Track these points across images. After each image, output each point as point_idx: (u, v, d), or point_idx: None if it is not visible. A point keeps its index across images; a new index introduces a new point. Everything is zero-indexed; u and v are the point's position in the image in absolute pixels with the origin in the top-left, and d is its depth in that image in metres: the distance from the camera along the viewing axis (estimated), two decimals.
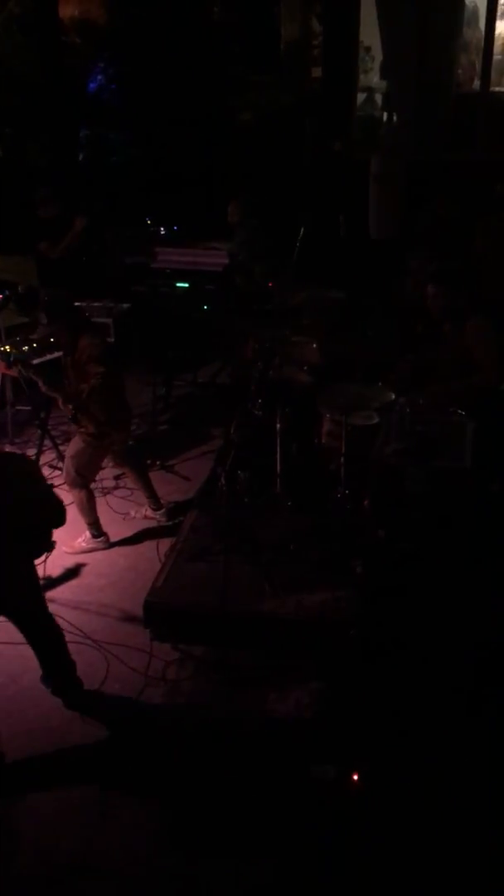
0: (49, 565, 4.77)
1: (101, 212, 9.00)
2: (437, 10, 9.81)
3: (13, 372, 5.98)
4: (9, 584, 3.93)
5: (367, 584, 4.38)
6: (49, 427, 6.28)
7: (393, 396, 5.11)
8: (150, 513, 5.98)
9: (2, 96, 11.55)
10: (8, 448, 6.50)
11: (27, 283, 7.53)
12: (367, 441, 4.89)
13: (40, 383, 5.42)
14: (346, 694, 4.16)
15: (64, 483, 5.65)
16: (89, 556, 5.57)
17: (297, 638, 4.30)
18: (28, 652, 4.26)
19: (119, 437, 5.59)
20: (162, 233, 9.68)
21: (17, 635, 4.13)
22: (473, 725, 4.00)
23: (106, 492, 6.22)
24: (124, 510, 6.06)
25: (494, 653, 4.22)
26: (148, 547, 5.62)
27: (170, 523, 5.86)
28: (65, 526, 4.14)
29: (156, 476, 6.29)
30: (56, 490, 4.77)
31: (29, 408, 6.86)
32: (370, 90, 11.49)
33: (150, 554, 5.42)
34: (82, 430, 5.39)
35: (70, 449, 5.54)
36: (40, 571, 4.25)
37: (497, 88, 10.41)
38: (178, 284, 8.50)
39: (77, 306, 5.65)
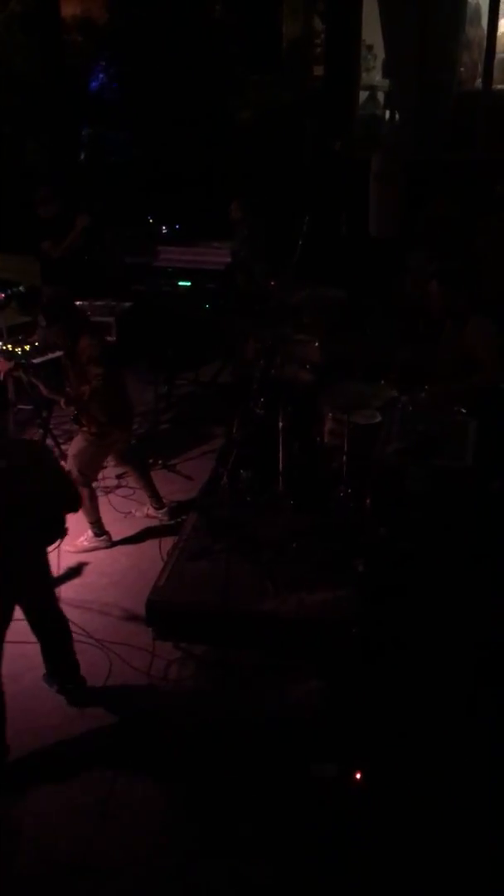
0: (51, 564, 4.77)
1: (101, 211, 8.98)
2: (438, 8, 9.81)
3: (17, 371, 5.99)
4: (24, 570, 3.97)
5: (369, 584, 4.38)
6: (51, 426, 6.29)
7: (395, 395, 5.11)
8: (152, 512, 5.98)
9: (2, 95, 11.54)
10: None
11: (29, 283, 7.54)
12: (370, 440, 4.88)
13: (41, 387, 5.42)
14: (346, 693, 4.17)
15: None
16: (91, 555, 5.58)
17: (298, 637, 4.30)
18: (30, 651, 4.27)
19: (121, 435, 5.59)
20: (163, 231, 9.67)
21: (19, 634, 4.14)
22: (473, 725, 4.00)
23: (108, 491, 6.23)
24: (126, 509, 6.06)
25: (494, 653, 4.22)
26: (150, 546, 5.62)
27: (172, 522, 5.86)
28: (67, 525, 4.15)
29: (158, 475, 6.29)
30: None
31: (30, 407, 6.87)
32: (372, 89, 11.47)
33: (153, 553, 5.42)
34: (84, 428, 5.39)
35: (72, 448, 5.54)
36: (53, 561, 4.27)
37: (499, 87, 10.40)
38: (180, 283, 8.51)
39: (76, 307, 5.65)
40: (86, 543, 5.61)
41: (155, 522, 5.94)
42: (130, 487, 6.26)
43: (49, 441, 6.27)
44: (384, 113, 11.46)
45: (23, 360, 5.78)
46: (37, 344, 6.19)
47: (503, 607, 4.40)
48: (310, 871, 3.43)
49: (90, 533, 5.62)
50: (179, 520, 5.71)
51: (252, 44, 11.72)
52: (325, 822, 3.59)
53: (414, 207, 8.93)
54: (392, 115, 11.02)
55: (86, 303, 7.27)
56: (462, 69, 10.63)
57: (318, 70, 11.93)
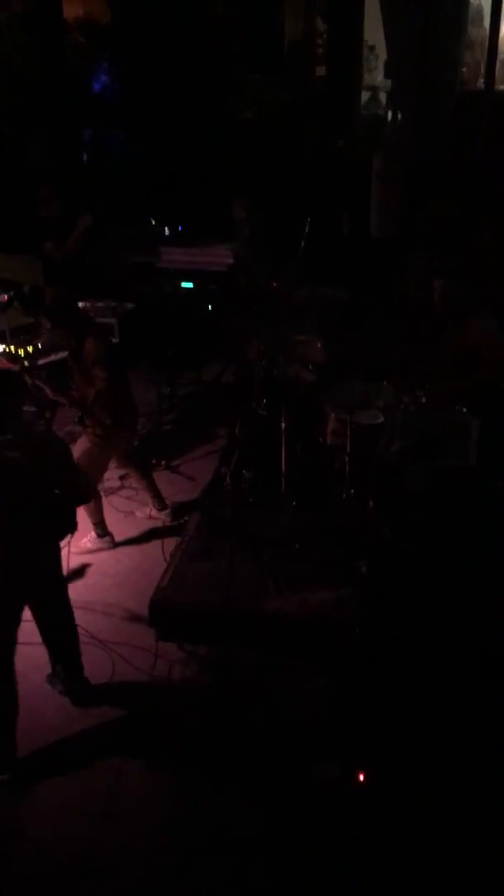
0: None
1: (103, 211, 8.98)
2: (440, 8, 9.79)
3: (22, 374, 6.00)
4: (35, 562, 3.99)
5: (371, 584, 4.38)
6: (55, 427, 6.30)
7: (397, 395, 5.10)
8: (154, 513, 5.99)
9: (3, 95, 11.54)
10: None
11: (32, 284, 7.54)
12: (372, 440, 4.88)
13: (47, 390, 5.43)
14: (348, 693, 4.17)
15: None
16: (95, 555, 5.59)
17: (300, 637, 4.30)
18: (34, 652, 4.28)
19: (125, 436, 5.60)
20: (166, 233, 9.68)
21: (24, 635, 4.15)
22: (473, 725, 4.00)
23: (110, 492, 6.23)
24: (129, 510, 6.07)
25: (495, 653, 4.22)
26: (153, 546, 5.63)
27: (174, 523, 5.87)
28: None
29: (160, 476, 6.30)
30: None
31: (34, 409, 6.88)
32: (374, 89, 11.48)
33: (155, 553, 5.42)
34: (89, 430, 5.40)
35: (77, 449, 5.55)
36: (63, 558, 4.30)
37: (502, 87, 10.39)
38: (183, 284, 8.51)
39: (80, 309, 5.65)
40: (89, 544, 5.62)
41: (158, 523, 5.94)
42: (133, 488, 6.26)
43: None
44: (386, 113, 11.46)
45: (27, 363, 5.80)
46: (40, 346, 6.20)
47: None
48: (310, 871, 3.43)
49: (93, 534, 5.63)
50: (182, 520, 5.72)
51: (253, 44, 11.72)
52: (326, 821, 3.59)
53: (415, 207, 8.93)
54: (394, 116, 11.01)
55: (88, 304, 7.27)
56: (464, 69, 10.63)
57: (320, 70, 11.93)
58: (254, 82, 11.64)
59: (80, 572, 5.42)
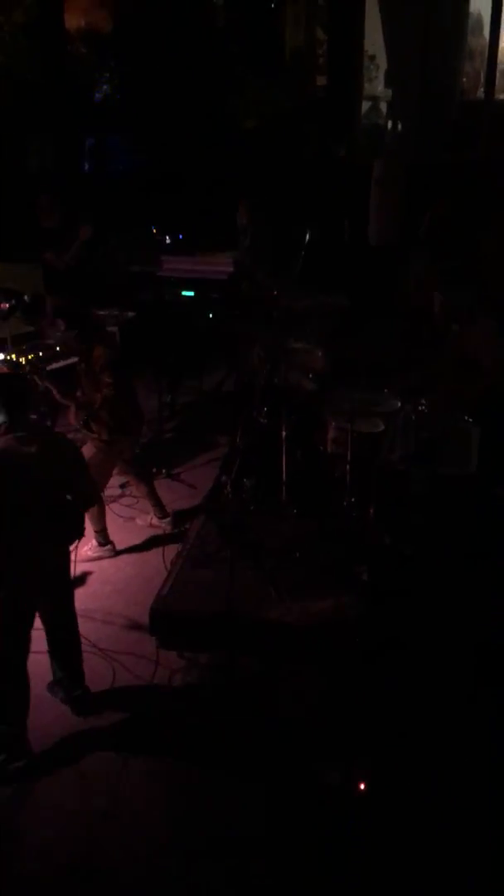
0: None
1: (105, 220, 9.01)
2: (441, 18, 9.85)
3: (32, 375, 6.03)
4: (41, 562, 4.01)
5: (372, 591, 4.38)
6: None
7: (398, 403, 5.10)
8: (155, 521, 5.99)
9: (5, 103, 11.59)
10: None
11: (33, 292, 7.55)
12: (373, 448, 4.88)
13: (54, 391, 5.45)
14: (349, 695, 4.16)
15: None
16: (96, 563, 5.58)
17: (302, 643, 4.29)
18: (36, 660, 4.27)
19: (129, 443, 5.61)
20: (167, 241, 9.71)
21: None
22: (474, 728, 3.99)
23: (111, 499, 6.23)
24: (129, 517, 6.06)
25: (495, 656, 4.22)
26: (154, 554, 5.62)
27: (175, 531, 5.86)
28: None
29: (161, 484, 6.30)
30: None
31: (35, 417, 6.88)
32: (375, 98, 11.53)
33: (156, 561, 5.42)
34: (94, 435, 5.41)
35: None
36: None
37: (502, 96, 10.44)
38: (184, 292, 8.53)
39: (93, 315, 5.72)
40: (90, 553, 5.62)
41: (158, 531, 5.94)
42: (134, 496, 6.26)
43: None
44: (386, 122, 11.51)
45: (35, 363, 5.84)
46: (41, 353, 6.20)
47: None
48: (310, 871, 3.43)
49: (94, 542, 5.62)
50: (183, 528, 5.71)
51: (255, 53, 11.78)
52: (326, 822, 3.59)
53: (414, 212, 8.95)
54: (394, 125, 11.06)
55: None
56: (464, 79, 10.68)
57: (321, 80, 11.98)
58: (255, 90, 11.69)
59: (80, 580, 5.41)
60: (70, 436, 6.68)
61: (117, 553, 5.70)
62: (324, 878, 3.41)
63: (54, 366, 6.21)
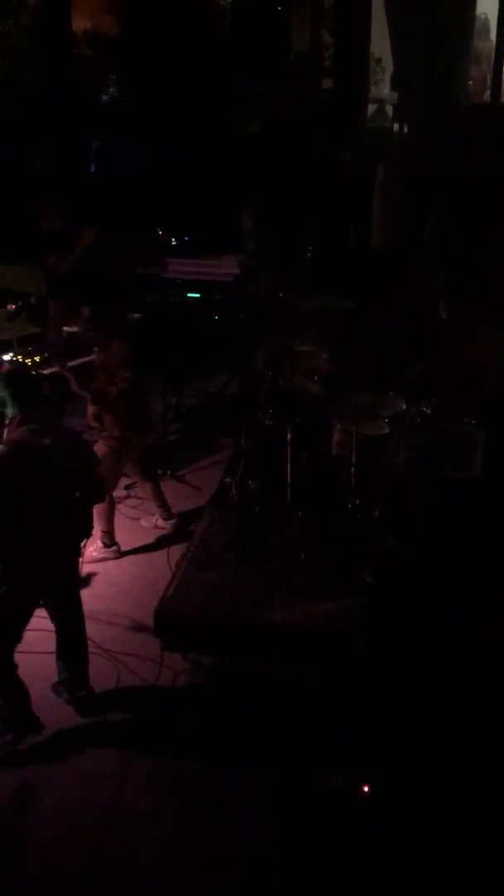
0: None
1: (109, 223, 9.01)
2: (447, 22, 9.86)
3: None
4: (53, 556, 4.02)
5: (376, 594, 4.39)
6: None
7: (403, 406, 5.11)
8: (160, 522, 6.00)
9: (9, 107, 11.61)
10: None
11: (38, 294, 7.56)
12: (378, 451, 4.89)
13: (72, 380, 5.48)
14: (352, 702, 4.16)
15: None
16: (100, 565, 5.59)
17: (305, 646, 4.30)
18: (40, 661, 4.29)
19: (139, 442, 5.63)
20: (172, 243, 9.72)
21: (31, 645, 4.17)
22: (477, 731, 3.99)
23: (117, 500, 6.23)
24: (135, 518, 6.07)
25: (496, 660, 4.23)
26: (159, 556, 5.63)
27: (180, 533, 5.87)
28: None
29: (167, 485, 6.30)
30: None
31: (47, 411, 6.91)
32: (381, 101, 11.54)
33: (161, 563, 5.43)
34: (106, 433, 5.43)
35: None
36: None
37: None
38: (189, 295, 8.54)
39: (119, 309, 5.81)
40: (95, 554, 5.62)
41: (164, 533, 5.94)
42: (139, 497, 6.27)
43: None
44: (392, 125, 11.52)
45: (47, 360, 5.92)
46: (45, 354, 6.22)
47: None
48: (315, 879, 3.43)
49: (100, 543, 5.63)
50: (188, 530, 5.72)
51: (261, 57, 11.79)
52: (331, 830, 3.59)
53: (418, 217, 8.96)
54: (400, 128, 11.07)
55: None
56: (470, 82, 10.68)
57: (327, 83, 11.99)
58: (261, 95, 11.71)
59: (85, 581, 5.40)
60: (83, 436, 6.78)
61: (122, 554, 5.71)
62: (329, 886, 3.41)
63: (78, 361, 6.24)
